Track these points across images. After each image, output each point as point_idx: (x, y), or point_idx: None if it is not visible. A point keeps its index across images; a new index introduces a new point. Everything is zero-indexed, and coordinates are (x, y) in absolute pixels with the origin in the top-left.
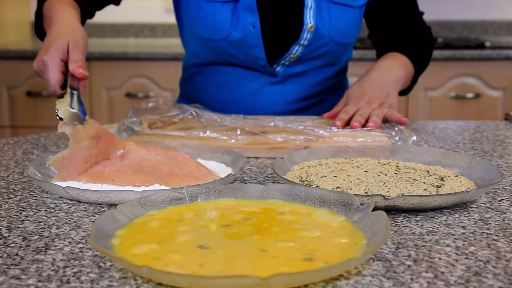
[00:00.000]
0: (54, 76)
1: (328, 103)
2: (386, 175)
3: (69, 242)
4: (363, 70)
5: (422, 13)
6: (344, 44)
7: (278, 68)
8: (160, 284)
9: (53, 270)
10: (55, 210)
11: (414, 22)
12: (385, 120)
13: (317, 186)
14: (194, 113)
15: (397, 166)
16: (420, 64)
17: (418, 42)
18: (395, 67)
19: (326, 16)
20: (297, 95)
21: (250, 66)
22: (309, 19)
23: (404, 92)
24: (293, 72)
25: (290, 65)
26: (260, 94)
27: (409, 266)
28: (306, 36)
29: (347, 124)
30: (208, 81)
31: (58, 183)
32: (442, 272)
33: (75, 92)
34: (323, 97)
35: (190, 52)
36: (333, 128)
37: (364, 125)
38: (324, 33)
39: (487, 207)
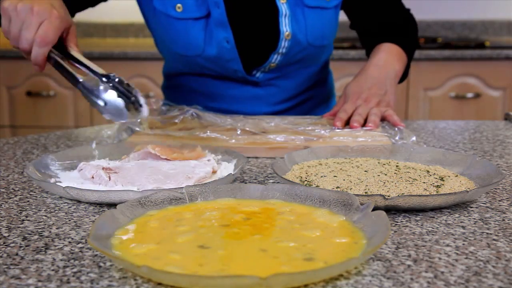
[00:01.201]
0: (56, 34)
1: (314, 100)
2: (386, 175)
3: (69, 242)
4: None
5: None
6: (323, 46)
7: (258, 74)
8: (160, 284)
9: (53, 270)
10: (55, 210)
11: (394, 5)
12: (383, 119)
13: (317, 186)
14: (194, 114)
15: (397, 166)
16: (410, 49)
17: (403, 26)
18: (391, 61)
19: (302, 21)
20: (280, 97)
21: (229, 77)
22: (285, 27)
23: (399, 80)
24: (273, 76)
25: (269, 71)
26: (243, 99)
27: (409, 266)
28: (284, 44)
29: (347, 123)
30: (189, 89)
31: (58, 183)
32: (442, 272)
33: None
34: (308, 95)
35: (167, 62)
36: (333, 128)
37: (363, 125)
38: (302, 39)
39: (487, 207)
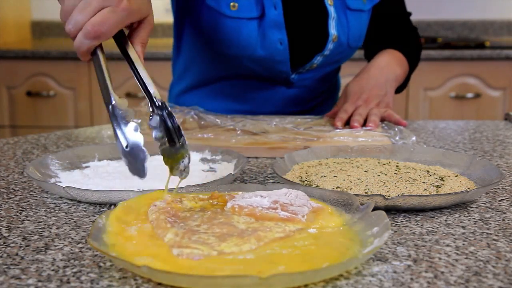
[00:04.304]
0: (112, 30)
1: (326, 105)
2: (386, 175)
3: (69, 242)
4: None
5: (409, 14)
6: (357, 48)
7: (293, 76)
8: (160, 284)
9: (53, 270)
10: (55, 210)
11: (403, 22)
12: (383, 120)
13: (317, 186)
14: (195, 115)
15: (397, 166)
16: (412, 62)
17: (408, 41)
18: (393, 64)
19: (345, 23)
20: (308, 96)
21: (267, 78)
22: (333, 30)
23: (397, 90)
24: (307, 77)
25: (306, 72)
26: (274, 100)
27: (409, 266)
28: (329, 46)
29: (347, 123)
30: (216, 93)
31: (58, 183)
32: (442, 272)
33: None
34: (327, 94)
35: (197, 71)
36: (333, 128)
37: (363, 125)
38: (344, 41)
39: (487, 207)
